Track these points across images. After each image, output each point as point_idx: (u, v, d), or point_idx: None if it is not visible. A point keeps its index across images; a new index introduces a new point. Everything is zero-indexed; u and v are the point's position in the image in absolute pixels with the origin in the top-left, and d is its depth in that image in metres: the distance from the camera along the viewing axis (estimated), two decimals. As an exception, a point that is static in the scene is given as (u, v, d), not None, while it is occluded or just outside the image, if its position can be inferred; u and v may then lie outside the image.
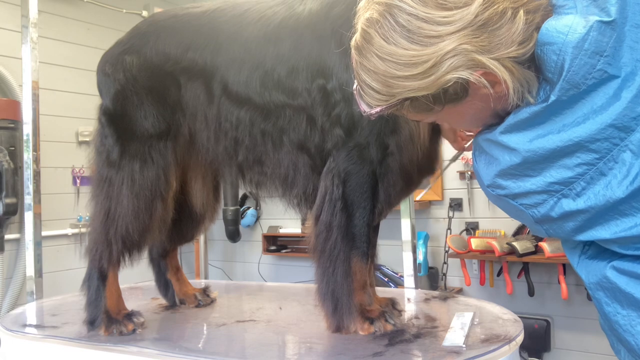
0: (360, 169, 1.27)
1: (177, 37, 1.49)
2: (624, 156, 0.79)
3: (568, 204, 0.84)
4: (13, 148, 3.23)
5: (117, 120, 1.51)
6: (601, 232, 0.84)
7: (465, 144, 1.31)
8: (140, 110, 1.49)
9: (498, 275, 3.31)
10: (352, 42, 0.90)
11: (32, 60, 2.00)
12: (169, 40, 1.50)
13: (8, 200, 3.15)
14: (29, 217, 1.99)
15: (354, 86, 0.93)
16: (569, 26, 0.80)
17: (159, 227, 1.51)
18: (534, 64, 0.84)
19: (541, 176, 0.85)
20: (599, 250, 0.90)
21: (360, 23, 0.88)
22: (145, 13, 3.92)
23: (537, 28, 0.82)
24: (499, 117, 0.92)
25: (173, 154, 1.50)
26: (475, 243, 3.22)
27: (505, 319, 1.39)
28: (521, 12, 0.81)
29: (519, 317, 1.41)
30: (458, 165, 3.39)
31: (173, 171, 1.51)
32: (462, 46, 0.79)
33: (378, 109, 0.89)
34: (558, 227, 0.88)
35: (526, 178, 0.86)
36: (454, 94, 0.85)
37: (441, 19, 0.80)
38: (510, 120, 0.87)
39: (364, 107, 0.91)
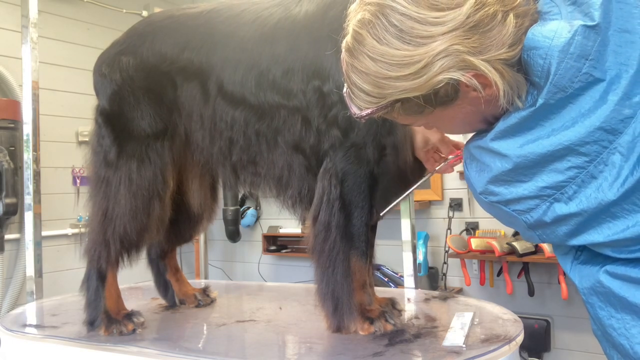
0: (357, 169, 1.27)
1: (174, 38, 1.49)
2: (613, 158, 0.80)
3: (560, 208, 0.84)
4: (13, 148, 3.23)
5: (114, 121, 1.51)
6: (594, 236, 0.84)
7: (437, 166, 1.32)
8: (137, 110, 1.49)
9: (498, 275, 3.31)
10: (343, 44, 0.90)
11: (32, 60, 2.00)
12: (165, 41, 1.50)
13: (8, 200, 3.15)
14: (29, 217, 1.99)
15: (344, 89, 0.93)
16: (554, 31, 0.81)
17: (156, 227, 1.51)
18: (521, 69, 0.85)
19: (533, 181, 0.85)
20: (592, 255, 0.90)
21: (351, 25, 0.88)
22: (145, 13, 3.92)
23: (526, 33, 0.84)
24: (488, 123, 0.93)
25: (170, 153, 1.50)
26: (475, 243, 3.22)
27: (505, 319, 1.39)
28: (511, 15, 0.82)
29: (519, 317, 1.41)
30: (458, 165, 3.39)
31: (170, 171, 1.51)
32: (454, 47, 0.80)
33: (369, 111, 0.89)
34: (551, 232, 0.88)
35: (518, 184, 0.87)
36: (445, 96, 0.85)
37: (433, 20, 0.81)
38: (500, 126, 0.88)
39: (354, 110, 0.92)
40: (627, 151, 0.79)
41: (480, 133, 0.95)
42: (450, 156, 1.31)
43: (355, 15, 0.88)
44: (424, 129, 1.31)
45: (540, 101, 0.82)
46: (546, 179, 0.84)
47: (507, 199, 0.89)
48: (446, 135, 1.34)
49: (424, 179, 1.38)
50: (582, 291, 0.91)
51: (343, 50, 0.91)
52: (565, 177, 0.83)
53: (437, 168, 1.33)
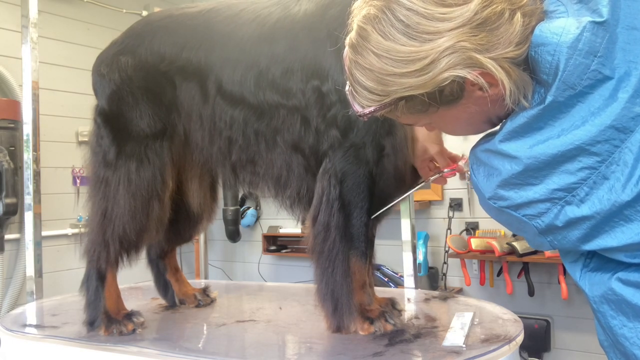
0: (356, 169, 1.27)
1: (172, 37, 1.49)
2: (626, 158, 0.78)
3: (572, 211, 0.82)
4: (13, 148, 3.23)
5: (112, 121, 1.51)
6: (608, 241, 0.82)
7: (432, 175, 1.32)
8: (136, 110, 1.48)
9: (498, 275, 3.31)
10: (347, 41, 0.89)
11: (32, 60, 1.99)
12: (164, 40, 1.49)
13: (8, 200, 3.15)
14: (29, 217, 1.99)
15: (346, 87, 0.92)
16: (562, 27, 0.80)
17: (156, 227, 1.51)
18: (528, 67, 0.83)
19: (544, 184, 0.83)
20: (602, 262, 0.88)
21: (356, 21, 0.87)
22: (145, 13, 3.93)
23: (533, 32, 0.82)
24: (492, 124, 0.92)
25: (169, 153, 1.50)
26: (475, 243, 3.22)
27: (505, 319, 1.39)
28: (518, 14, 0.81)
29: (519, 317, 1.41)
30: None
31: (169, 171, 1.50)
32: (460, 44, 0.79)
33: (371, 109, 0.88)
34: (563, 238, 0.86)
35: (528, 187, 0.85)
36: (450, 94, 0.84)
37: (440, 15, 0.80)
38: (508, 127, 0.86)
39: (356, 108, 0.91)
40: (639, 150, 0.78)
41: (486, 137, 0.93)
42: (446, 169, 1.31)
43: (360, 11, 0.87)
44: (426, 139, 1.32)
45: (549, 98, 0.81)
46: (557, 180, 0.82)
47: (518, 203, 0.87)
48: (444, 147, 1.35)
49: (416, 187, 1.38)
50: (593, 299, 0.89)
51: (346, 46, 0.89)
52: (576, 179, 0.81)
53: (431, 179, 1.33)
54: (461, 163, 1.35)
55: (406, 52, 0.81)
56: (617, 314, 0.86)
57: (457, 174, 1.37)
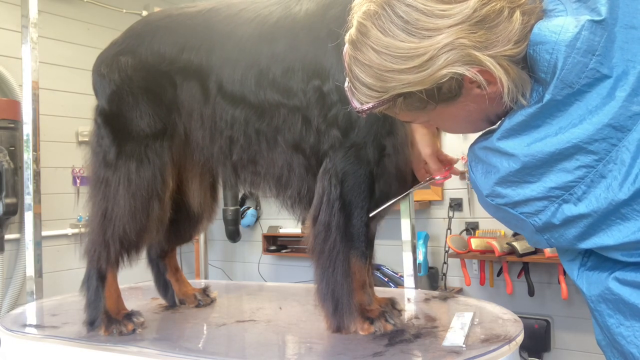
0: (357, 169, 1.27)
1: (172, 37, 1.49)
2: (623, 157, 0.78)
3: (570, 209, 0.82)
4: (13, 148, 3.23)
5: (113, 121, 1.51)
6: (604, 239, 0.82)
7: (428, 177, 1.33)
8: (136, 110, 1.48)
9: (498, 275, 3.31)
10: (347, 37, 0.89)
11: (32, 60, 2.00)
12: (164, 40, 1.49)
13: (8, 200, 3.15)
14: (29, 217, 1.99)
15: (346, 83, 0.92)
16: (561, 26, 0.80)
17: (156, 227, 1.51)
18: (526, 65, 0.84)
19: (541, 182, 0.84)
20: (600, 261, 0.89)
21: (356, 17, 0.88)
22: (145, 13, 3.93)
23: (532, 30, 0.83)
24: (490, 122, 0.93)
25: (169, 153, 1.50)
26: (475, 243, 3.22)
27: (505, 319, 1.39)
28: (517, 12, 0.82)
29: (519, 317, 1.41)
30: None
31: (169, 171, 1.50)
32: (459, 40, 0.79)
33: (370, 105, 0.88)
34: (560, 236, 0.86)
35: (526, 184, 0.85)
36: (448, 91, 0.85)
37: (440, 12, 0.80)
38: (506, 125, 0.86)
39: (355, 104, 0.91)
40: (637, 149, 0.78)
41: (485, 134, 0.94)
42: (438, 176, 1.31)
43: (360, 7, 0.87)
44: (420, 141, 1.33)
45: (547, 97, 0.81)
46: (555, 179, 0.82)
47: (515, 200, 0.87)
48: (440, 150, 1.35)
49: (414, 188, 1.38)
50: (590, 298, 0.89)
51: (346, 42, 0.90)
52: (574, 177, 0.81)
53: (422, 183, 1.34)
54: (456, 165, 1.35)
55: (405, 49, 0.81)
56: (614, 312, 0.86)
57: (457, 174, 1.37)
